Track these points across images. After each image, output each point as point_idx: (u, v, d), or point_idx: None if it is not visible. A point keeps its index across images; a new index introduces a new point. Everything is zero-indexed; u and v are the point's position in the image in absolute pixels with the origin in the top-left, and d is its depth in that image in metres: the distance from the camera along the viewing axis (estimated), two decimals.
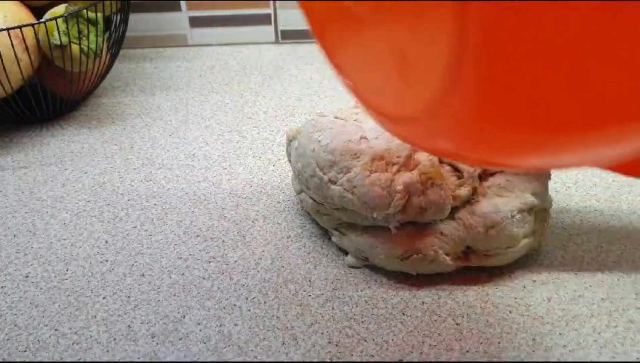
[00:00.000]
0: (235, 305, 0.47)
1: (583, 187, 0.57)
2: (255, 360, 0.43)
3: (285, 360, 0.43)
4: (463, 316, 0.44)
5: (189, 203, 0.57)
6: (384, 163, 0.45)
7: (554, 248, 0.50)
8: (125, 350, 0.44)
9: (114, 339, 0.44)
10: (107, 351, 0.44)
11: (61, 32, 0.62)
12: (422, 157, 0.45)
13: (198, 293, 0.48)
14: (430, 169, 0.44)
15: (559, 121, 0.23)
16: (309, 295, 0.47)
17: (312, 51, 0.85)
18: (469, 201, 0.46)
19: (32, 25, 0.62)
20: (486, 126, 0.25)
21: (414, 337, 0.43)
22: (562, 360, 0.40)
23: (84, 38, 0.64)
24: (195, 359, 0.43)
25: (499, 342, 0.42)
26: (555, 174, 0.59)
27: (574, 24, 0.20)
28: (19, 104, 0.66)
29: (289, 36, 0.87)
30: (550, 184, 0.57)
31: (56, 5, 0.66)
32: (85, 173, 0.62)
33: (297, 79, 0.78)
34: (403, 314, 0.45)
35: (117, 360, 0.43)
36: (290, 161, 0.53)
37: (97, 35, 0.65)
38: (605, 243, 0.51)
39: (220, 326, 0.45)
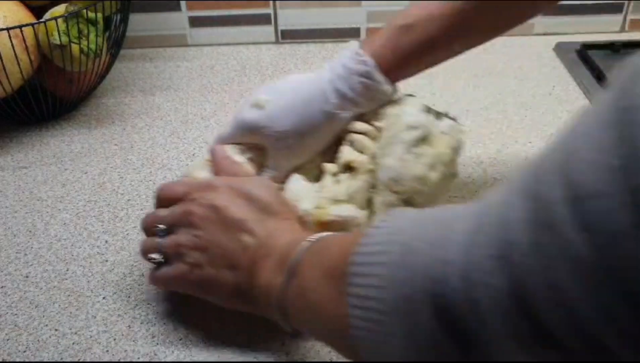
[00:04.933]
0: None
1: None
2: (255, 360, 0.43)
3: (286, 360, 0.43)
4: None
5: None
6: None
7: None
8: (125, 350, 0.44)
9: (114, 339, 0.44)
10: (107, 351, 0.44)
11: (61, 32, 0.62)
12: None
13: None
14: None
15: None
16: None
17: (312, 51, 0.85)
18: None
19: (32, 25, 0.62)
20: None
21: None
22: None
23: (83, 38, 0.64)
24: (195, 359, 0.43)
25: None
26: None
27: None
28: (18, 104, 0.66)
29: (289, 36, 0.87)
30: None
31: (56, 5, 0.66)
32: (85, 173, 0.62)
33: None
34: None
35: (117, 360, 0.43)
36: None
37: (97, 35, 0.65)
38: None
39: (220, 326, 0.45)
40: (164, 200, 0.46)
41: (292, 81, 0.48)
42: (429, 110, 0.46)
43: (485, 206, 0.26)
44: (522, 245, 0.23)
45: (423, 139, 0.44)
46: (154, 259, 0.43)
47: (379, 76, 0.45)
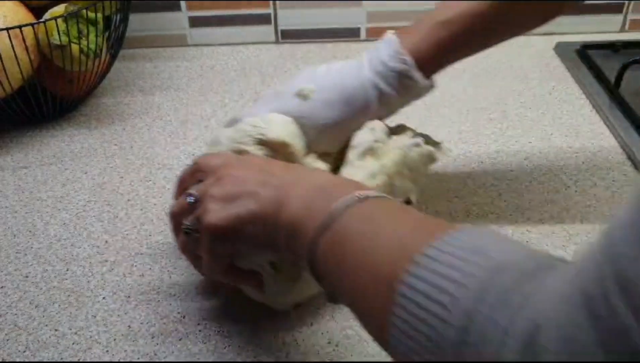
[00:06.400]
0: (235, 305, 0.47)
1: (583, 187, 0.57)
2: (255, 360, 0.43)
3: (286, 360, 0.43)
4: None
5: None
6: None
7: (554, 248, 0.50)
8: (125, 350, 0.44)
9: (114, 339, 0.44)
10: (107, 351, 0.44)
11: (61, 32, 0.62)
12: None
13: (198, 293, 0.48)
14: None
15: None
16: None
17: (312, 50, 0.85)
18: None
19: (32, 25, 0.62)
20: None
21: None
22: None
23: (83, 38, 0.64)
24: (195, 359, 0.43)
25: None
26: (555, 175, 0.59)
27: None
28: (18, 104, 0.66)
29: (289, 36, 0.87)
30: (551, 184, 0.58)
31: (56, 5, 0.66)
32: (85, 173, 0.62)
33: None
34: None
35: (117, 360, 0.43)
36: None
37: (96, 35, 0.65)
38: None
39: (220, 326, 0.45)
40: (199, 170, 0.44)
41: (335, 73, 0.48)
42: (386, 130, 0.48)
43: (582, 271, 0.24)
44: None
45: (368, 153, 0.46)
46: (188, 227, 0.41)
47: (417, 75, 0.46)
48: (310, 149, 0.49)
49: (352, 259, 0.33)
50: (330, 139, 0.49)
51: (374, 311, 0.31)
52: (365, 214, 0.34)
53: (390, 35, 0.47)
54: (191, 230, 0.40)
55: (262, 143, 0.46)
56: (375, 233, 0.32)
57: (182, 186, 0.45)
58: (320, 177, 0.40)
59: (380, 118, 0.48)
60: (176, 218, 0.42)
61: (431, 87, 0.48)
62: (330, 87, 0.48)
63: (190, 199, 0.41)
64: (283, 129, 0.47)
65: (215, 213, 0.39)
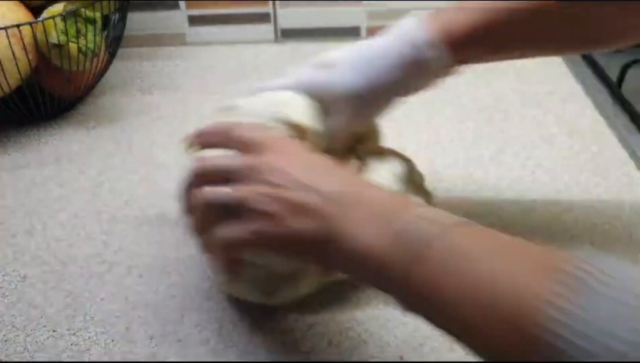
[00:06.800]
0: (234, 306, 0.46)
1: (585, 187, 0.57)
2: (255, 360, 0.43)
3: (286, 360, 0.42)
4: None
5: None
6: None
7: (555, 248, 0.50)
8: (124, 351, 0.43)
9: (112, 340, 0.44)
10: (106, 353, 0.43)
11: (59, 31, 0.62)
12: None
13: (197, 294, 0.48)
14: None
15: None
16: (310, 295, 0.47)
17: (311, 50, 0.84)
18: None
19: (30, 24, 0.61)
20: None
21: (415, 339, 0.43)
22: None
23: (82, 37, 0.64)
24: (194, 360, 0.43)
25: None
26: (556, 176, 0.58)
27: None
28: (17, 104, 0.66)
29: (289, 35, 0.86)
30: (552, 185, 0.57)
31: (54, 4, 0.66)
32: (84, 173, 0.62)
33: None
34: (404, 315, 0.45)
35: (115, 361, 0.43)
36: None
37: (95, 34, 0.65)
38: (608, 243, 0.51)
39: (220, 327, 0.45)
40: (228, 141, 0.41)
41: (359, 44, 0.47)
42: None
43: None
44: None
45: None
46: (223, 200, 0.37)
47: (449, 59, 0.44)
48: (335, 123, 0.46)
49: (455, 293, 0.31)
50: (363, 108, 0.46)
51: (508, 356, 0.28)
52: (457, 243, 0.32)
53: (414, 16, 0.46)
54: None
55: (285, 123, 0.44)
56: (474, 267, 0.30)
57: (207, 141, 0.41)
58: (371, 192, 0.36)
59: (407, 91, 0.46)
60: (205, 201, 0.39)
61: (454, 65, 0.46)
62: (355, 52, 0.46)
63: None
64: (306, 112, 0.45)
65: (272, 222, 0.36)
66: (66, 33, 0.62)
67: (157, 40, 0.87)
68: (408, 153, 0.51)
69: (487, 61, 0.48)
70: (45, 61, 0.65)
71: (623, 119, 0.65)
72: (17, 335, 0.45)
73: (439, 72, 0.46)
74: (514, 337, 0.28)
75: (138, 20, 0.84)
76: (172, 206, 0.57)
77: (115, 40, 0.72)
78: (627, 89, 0.68)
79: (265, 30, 0.86)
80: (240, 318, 0.45)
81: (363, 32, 0.86)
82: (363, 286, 0.47)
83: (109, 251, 0.52)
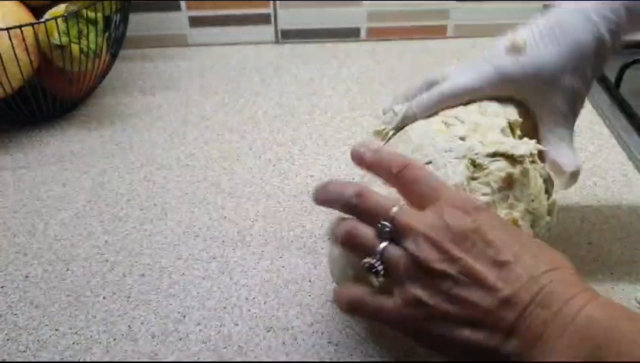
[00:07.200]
0: (235, 305, 0.47)
1: (583, 187, 0.57)
2: (255, 360, 0.43)
3: (285, 360, 0.43)
4: None
5: (189, 203, 0.57)
6: None
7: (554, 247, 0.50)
8: (125, 350, 0.44)
9: (114, 339, 0.44)
10: (107, 351, 0.44)
11: (61, 32, 0.62)
12: None
13: (198, 293, 0.48)
14: None
15: None
16: (309, 295, 0.47)
17: (312, 50, 0.85)
18: None
19: (32, 25, 0.62)
20: None
21: None
22: None
23: (83, 38, 0.64)
24: (195, 359, 0.43)
25: None
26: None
27: None
28: (18, 104, 0.66)
29: (289, 36, 0.87)
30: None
31: (56, 5, 0.66)
32: (85, 173, 0.62)
33: (297, 79, 0.78)
34: None
35: (117, 360, 0.43)
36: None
37: (97, 35, 0.65)
38: (606, 243, 0.51)
39: (220, 326, 0.45)
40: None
41: (546, 17, 0.41)
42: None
43: None
44: None
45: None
46: (372, 264, 0.31)
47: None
48: (544, 123, 0.42)
49: None
50: (567, 93, 0.41)
51: None
52: None
53: None
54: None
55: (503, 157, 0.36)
56: None
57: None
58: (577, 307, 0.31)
59: (606, 55, 0.42)
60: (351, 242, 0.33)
61: None
62: (545, 28, 0.40)
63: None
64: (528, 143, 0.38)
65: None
66: (68, 34, 0.63)
67: (158, 41, 0.87)
68: None
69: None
70: (47, 61, 0.66)
71: (621, 120, 0.65)
72: (20, 334, 0.45)
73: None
74: None
75: (139, 22, 0.84)
76: (173, 206, 0.57)
77: (116, 41, 0.73)
78: (625, 89, 0.68)
79: (265, 31, 0.87)
80: (241, 317, 0.46)
81: (363, 33, 0.86)
82: None
83: (110, 250, 0.52)
